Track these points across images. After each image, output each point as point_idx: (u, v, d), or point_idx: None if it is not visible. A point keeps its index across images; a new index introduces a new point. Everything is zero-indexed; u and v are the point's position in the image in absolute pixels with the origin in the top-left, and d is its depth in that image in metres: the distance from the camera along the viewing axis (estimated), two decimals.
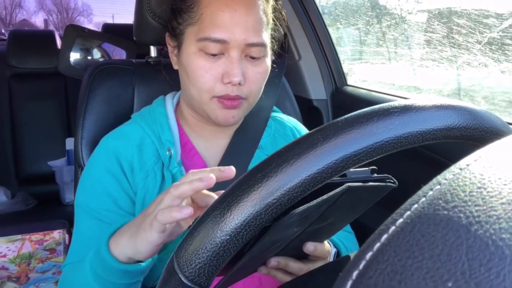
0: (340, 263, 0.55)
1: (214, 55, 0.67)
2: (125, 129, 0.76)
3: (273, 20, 0.75)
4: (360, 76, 1.37)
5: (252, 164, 0.75)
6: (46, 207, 1.77)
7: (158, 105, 0.79)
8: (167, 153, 0.71)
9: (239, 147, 0.77)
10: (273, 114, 0.86)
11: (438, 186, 0.19)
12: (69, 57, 1.84)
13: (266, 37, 0.69)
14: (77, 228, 0.72)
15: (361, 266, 0.17)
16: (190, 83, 0.70)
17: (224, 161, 0.75)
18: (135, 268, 0.57)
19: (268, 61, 0.72)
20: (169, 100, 0.80)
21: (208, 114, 0.71)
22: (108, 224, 0.69)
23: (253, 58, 0.68)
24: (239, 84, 0.67)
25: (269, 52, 0.72)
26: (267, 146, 0.80)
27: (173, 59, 0.76)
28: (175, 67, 0.76)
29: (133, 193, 0.71)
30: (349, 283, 0.17)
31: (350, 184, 0.41)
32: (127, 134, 0.74)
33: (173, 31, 0.73)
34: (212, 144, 0.78)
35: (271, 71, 0.75)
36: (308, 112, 1.23)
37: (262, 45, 0.68)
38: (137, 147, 0.72)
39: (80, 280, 0.62)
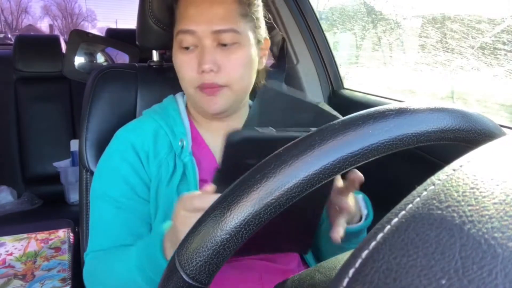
0: (337, 261, 0.55)
1: (187, 48, 0.71)
2: (139, 123, 0.80)
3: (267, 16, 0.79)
4: (356, 79, 1.39)
5: None
6: (51, 207, 1.79)
7: (170, 102, 0.82)
8: (180, 143, 0.75)
9: None
10: None
11: (432, 187, 0.19)
12: (73, 61, 1.86)
13: (242, 24, 0.72)
14: (95, 217, 0.75)
15: (357, 264, 0.18)
16: (179, 79, 0.75)
17: None
18: None
19: (248, 49, 0.73)
20: (180, 98, 0.83)
21: (197, 105, 0.75)
22: (127, 211, 0.72)
23: (225, 45, 0.71)
24: (212, 71, 0.69)
25: (250, 40, 0.73)
26: None
27: None
28: None
29: (148, 180, 0.74)
30: (346, 280, 0.17)
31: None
32: (141, 126, 0.78)
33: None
34: (218, 138, 0.80)
35: (271, 76, 0.78)
36: None
37: (232, 30, 0.70)
38: (152, 138, 0.75)
39: (118, 275, 0.64)
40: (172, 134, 0.76)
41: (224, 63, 0.71)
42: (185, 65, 0.72)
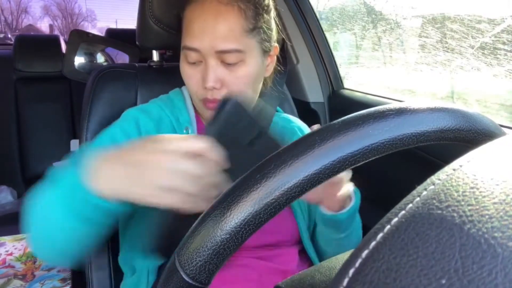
0: (337, 261, 0.56)
1: (193, 63, 0.71)
2: (145, 106, 0.80)
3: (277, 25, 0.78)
4: (356, 79, 1.39)
5: None
6: None
7: (177, 93, 0.83)
8: (185, 131, 0.76)
9: None
10: (278, 113, 0.89)
11: (432, 186, 0.19)
12: (73, 61, 1.87)
13: (247, 41, 0.70)
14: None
15: (357, 264, 0.18)
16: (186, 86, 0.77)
17: None
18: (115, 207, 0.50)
19: (253, 65, 0.72)
20: (186, 91, 0.83)
21: (201, 113, 0.78)
22: None
23: (229, 64, 0.70)
24: (215, 88, 0.70)
25: (255, 55, 0.72)
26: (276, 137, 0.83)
27: None
28: None
29: None
30: (346, 280, 0.17)
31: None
32: (148, 110, 0.79)
33: None
34: None
35: (274, 76, 0.78)
36: (306, 115, 1.24)
37: (235, 51, 0.69)
38: (156, 123, 0.76)
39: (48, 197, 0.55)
40: (177, 122, 0.77)
41: (228, 80, 0.71)
42: (190, 79, 0.74)
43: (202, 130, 0.80)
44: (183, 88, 0.85)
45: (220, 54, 0.69)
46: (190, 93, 0.78)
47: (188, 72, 0.73)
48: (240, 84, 0.72)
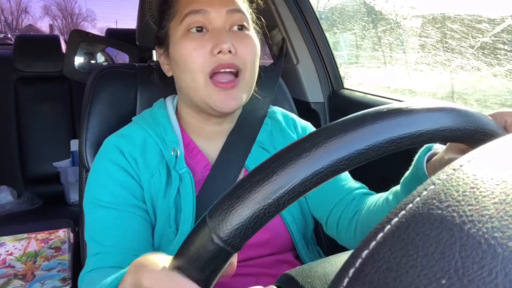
0: (338, 260, 0.55)
1: (199, 30, 0.68)
2: (127, 131, 0.76)
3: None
4: (356, 79, 1.39)
5: (250, 159, 0.76)
6: (52, 207, 1.79)
7: (159, 107, 0.79)
8: (172, 153, 0.71)
9: (236, 143, 0.78)
10: (271, 110, 0.86)
11: (432, 186, 0.19)
12: (73, 61, 1.87)
13: (249, 12, 0.73)
14: (90, 224, 0.68)
15: (357, 264, 0.18)
16: (183, 72, 0.69)
17: (221, 157, 0.76)
18: None
19: (254, 36, 0.73)
20: (170, 103, 0.81)
21: (207, 102, 0.69)
22: (128, 214, 0.66)
23: (239, 29, 0.70)
24: (230, 52, 0.66)
25: (253, 29, 0.74)
26: (265, 141, 0.80)
27: (165, 67, 0.77)
28: (169, 74, 0.77)
29: (141, 187, 0.70)
30: (346, 280, 0.18)
31: None
32: (129, 135, 0.74)
33: (159, 40, 0.77)
34: (211, 142, 0.78)
35: (267, 74, 0.77)
36: (306, 115, 1.24)
37: (243, 12, 0.70)
38: (141, 148, 0.72)
39: None
40: (163, 143, 0.73)
41: (239, 47, 0.68)
42: (195, 51, 0.67)
43: (189, 147, 0.76)
44: (168, 99, 0.82)
45: (231, 14, 0.68)
46: (191, 77, 0.69)
47: (192, 44, 0.67)
48: (251, 52, 0.70)
